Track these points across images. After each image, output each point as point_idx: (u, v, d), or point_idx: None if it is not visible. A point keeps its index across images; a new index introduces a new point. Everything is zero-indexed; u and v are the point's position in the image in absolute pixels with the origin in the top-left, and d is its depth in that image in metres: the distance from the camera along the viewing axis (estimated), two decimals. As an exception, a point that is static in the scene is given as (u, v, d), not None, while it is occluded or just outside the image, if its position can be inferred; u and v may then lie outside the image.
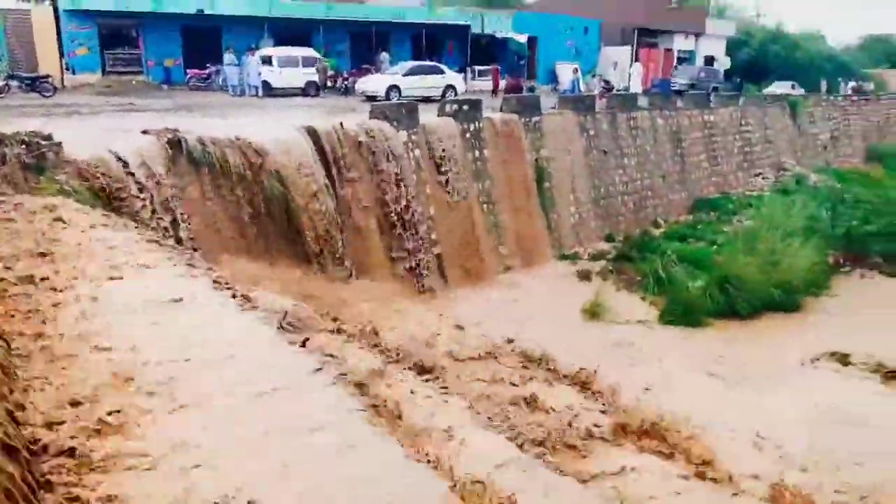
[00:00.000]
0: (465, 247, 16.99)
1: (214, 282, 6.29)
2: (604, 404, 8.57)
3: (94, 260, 6.25)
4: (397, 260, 14.74)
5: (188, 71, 26.21)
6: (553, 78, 35.92)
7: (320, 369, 4.29)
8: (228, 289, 6.13)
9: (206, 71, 25.82)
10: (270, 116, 16.86)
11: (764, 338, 13.81)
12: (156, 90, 25.12)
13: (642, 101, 24.58)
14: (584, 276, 17.53)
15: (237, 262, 10.34)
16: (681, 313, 14.07)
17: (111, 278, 5.77)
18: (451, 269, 16.52)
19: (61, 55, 25.30)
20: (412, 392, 6.36)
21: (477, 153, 17.89)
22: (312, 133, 13.20)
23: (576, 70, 27.07)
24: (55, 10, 24.86)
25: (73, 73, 25.53)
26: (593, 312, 14.78)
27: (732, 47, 47.11)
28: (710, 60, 44.35)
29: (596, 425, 7.44)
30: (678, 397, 9.25)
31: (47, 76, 20.82)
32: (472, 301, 15.65)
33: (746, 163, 28.72)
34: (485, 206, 17.89)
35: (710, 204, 24.53)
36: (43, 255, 6.28)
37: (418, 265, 15.22)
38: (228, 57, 24.39)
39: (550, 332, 14.06)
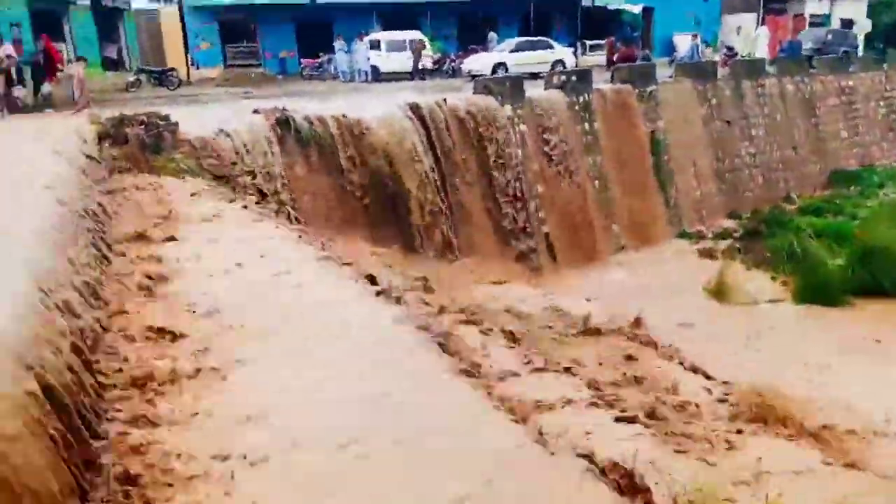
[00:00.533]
0: (575, 225, 16.30)
1: (322, 257, 6.18)
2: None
3: (205, 231, 6.33)
4: (504, 239, 14.32)
5: (302, 61, 26.98)
6: (670, 50, 34.00)
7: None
8: (335, 262, 6.02)
9: (318, 60, 26.42)
10: (376, 98, 16.87)
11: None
12: (272, 81, 25.95)
13: (770, 67, 22.68)
14: (708, 254, 16.36)
15: (342, 238, 10.34)
16: (818, 291, 12.72)
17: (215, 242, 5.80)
18: (561, 249, 15.89)
19: (186, 51, 26.69)
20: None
21: (587, 126, 17.09)
22: (416, 109, 13.01)
23: (695, 36, 25.38)
24: (180, 8, 26.23)
25: (197, 67, 26.89)
26: (718, 291, 13.69)
27: (875, 10, 42.69)
28: (847, 24, 40.43)
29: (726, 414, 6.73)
30: (841, 385, 8.28)
31: (172, 69, 22.01)
32: (584, 281, 14.94)
33: (893, 132, 25.91)
34: (596, 181, 17.07)
35: (850, 177, 22.27)
36: (157, 224, 6.44)
37: (526, 244, 14.74)
38: (338, 44, 24.79)
39: (672, 314, 13.25)
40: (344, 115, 12.34)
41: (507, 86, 15.71)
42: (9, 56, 14.54)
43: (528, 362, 6.18)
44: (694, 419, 6.26)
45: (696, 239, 17.55)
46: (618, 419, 5.26)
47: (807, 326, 11.74)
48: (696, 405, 6.25)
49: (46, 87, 15.52)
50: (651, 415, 5.47)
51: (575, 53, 27.25)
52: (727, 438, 5.44)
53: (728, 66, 21.87)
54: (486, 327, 6.60)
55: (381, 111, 12.81)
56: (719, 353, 9.27)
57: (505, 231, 14.41)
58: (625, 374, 7.12)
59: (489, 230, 14.16)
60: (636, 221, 17.70)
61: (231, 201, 7.98)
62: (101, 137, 9.42)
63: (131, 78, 20.73)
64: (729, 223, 18.64)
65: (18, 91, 14.77)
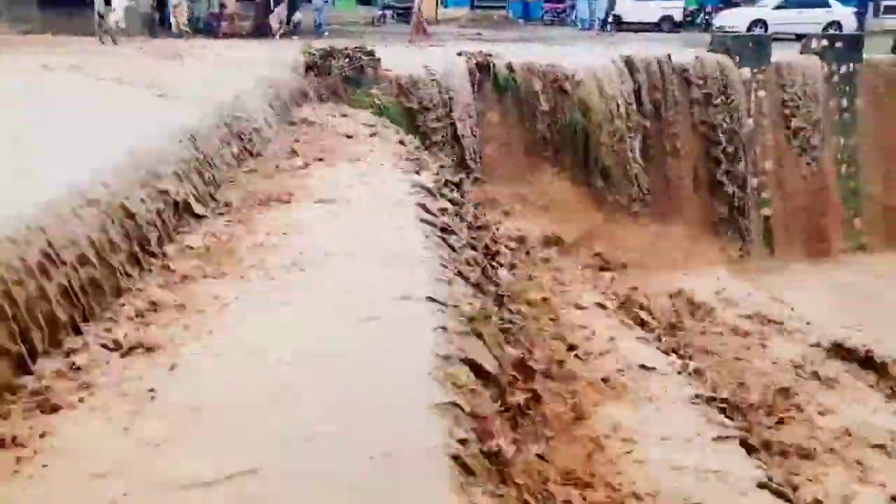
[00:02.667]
0: (806, 213, 14.19)
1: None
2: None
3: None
4: (712, 218, 12.92)
5: (545, 5, 26.42)
6: None
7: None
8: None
9: (562, 6, 25.66)
10: (603, 48, 15.91)
11: None
12: (513, 24, 25.82)
13: None
14: (975, 273, 13.32)
15: (517, 191, 10.09)
16: None
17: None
18: (782, 237, 13.99)
19: (437, -10, 27.52)
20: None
21: (845, 102, 14.57)
22: (629, 64, 12.02)
23: None
24: (435, -51, 26.93)
25: (446, 7, 27.63)
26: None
27: None
28: None
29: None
30: None
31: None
32: (801, 278, 13.09)
33: None
34: (844, 166, 14.62)
35: None
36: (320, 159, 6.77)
37: (739, 227, 13.17)
38: (581, -10, 23.79)
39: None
40: (550, 65, 11.84)
41: (750, 45, 13.88)
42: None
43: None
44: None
45: (967, 252, 14.33)
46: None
47: None
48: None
49: (297, 16, 16.96)
50: None
51: (862, 15, 23.19)
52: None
53: None
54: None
55: (591, 62, 12.05)
56: None
57: (714, 209, 12.99)
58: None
59: (696, 205, 12.86)
60: (890, 221, 14.91)
61: (400, 142, 8.05)
62: (309, 67, 10.05)
63: (378, 13, 21.87)
64: None
65: (273, 18, 16.33)
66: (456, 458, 2.54)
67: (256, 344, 3.32)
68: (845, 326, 9.22)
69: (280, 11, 16.28)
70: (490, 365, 3.41)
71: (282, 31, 16.33)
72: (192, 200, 4.88)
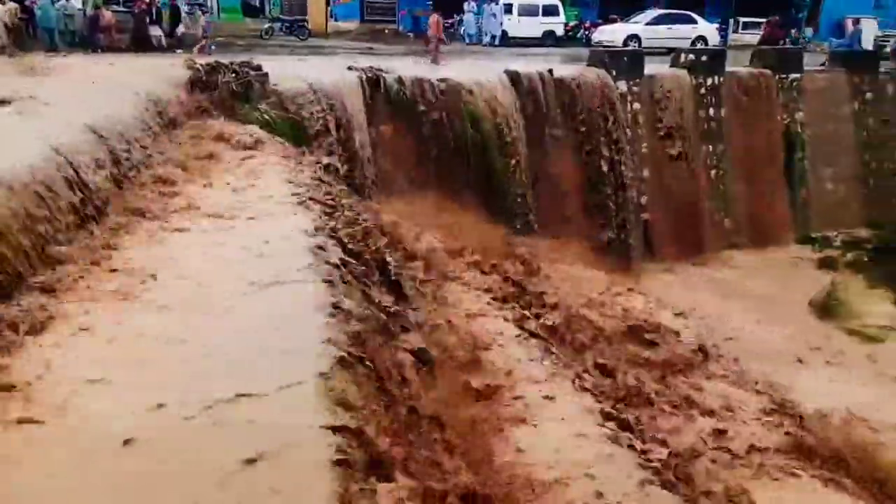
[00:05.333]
0: (681, 216, 15.21)
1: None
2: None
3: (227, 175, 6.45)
4: (595, 223, 13.61)
5: (433, 19, 26.81)
6: (840, 33, 30.56)
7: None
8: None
9: (450, 21, 26.17)
10: (489, 63, 16.43)
11: None
12: (403, 38, 26.15)
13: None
14: (827, 264, 14.76)
15: (410, 202, 10.23)
16: (944, 325, 11.12)
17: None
18: (661, 241, 14.93)
19: (327, 3, 27.44)
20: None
21: (711, 111, 15.77)
22: (515, 77, 12.52)
23: (856, 22, 22.59)
24: (324, -39, 26.91)
25: (336, 20, 27.63)
26: (824, 308, 12.35)
27: None
28: None
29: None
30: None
31: (304, 20, 22.68)
32: (679, 277, 14.06)
33: None
34: (713, 171, 15.80)
35: None
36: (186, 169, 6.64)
37: (620, 232, 13.95)
38: (468, 6, 24.44)
39: (765, 323, 12.19)
40: (441, 80, 12.14)
41: (626, 60, 14.77)
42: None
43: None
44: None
45: (820, 246, 15.85)
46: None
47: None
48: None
49: (181, 29, 16.48)
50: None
51: (724, 31, 25.16)
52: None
53: (895, 59, 19.24)
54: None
55: (478, 77, 12.45)
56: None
57: (598, 214, 13.70)
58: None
59: (580, 211, 13.52)
60: (754, 220, 16.26)
61: (288, 157, 8.03)
62: (193, 82, 9.81)
63: (265, 26, 21.58)
64: (864, 233, 16.64)
65: (154, 30, 15.79)
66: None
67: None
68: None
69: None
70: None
71: (164, 44, 15.83)
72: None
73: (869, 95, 17.70)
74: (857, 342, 11.12)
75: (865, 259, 14.76)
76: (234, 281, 4.34)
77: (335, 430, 2.82)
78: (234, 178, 6.67)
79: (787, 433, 6.61)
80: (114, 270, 4.42)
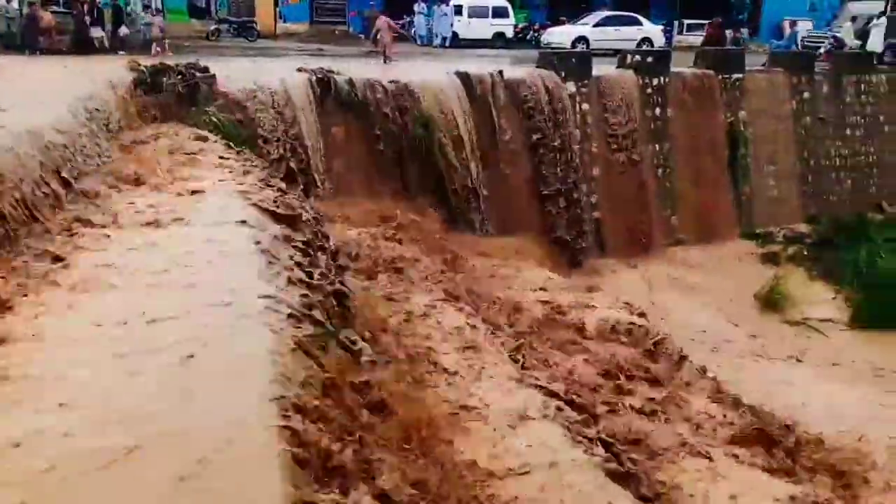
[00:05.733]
0: (630, 213, 15.52)
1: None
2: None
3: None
4: (548, 221, 13.78)
5: (384, 21, 26.75)
6: (780, 35, 31.63)
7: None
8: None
9: (400, 22, 26.16)
10: (440, 64, 16.49)
11: None
12: (353, 39, 26.03)
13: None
14: (770, 259, 15.28)
15: (364, 204, 10.21)
16: (878, 314, 11.61)
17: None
18: (612, 238, 15.22)
19: (276, 4, 27.15)
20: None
21: (658, 111, 16.13)
22: (465, 79, 12.60)
23: (793, 24, 23.47)
24: (271, -38, 26.61)
25: (285, 21, 27.33)
26: (768, 300, 12.78)
27: None
28: None
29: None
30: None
31: (252, 21, 22.40)
32: (629, 273, 14.34)
33: None
34: (660, 170, 16.17)
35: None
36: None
37: (572, 229, 14.14)
38: (418, 7, 24.50)
39: (711, 317, 12.56)
40: (392, 81, 12.13)
41: (574, 62, 15.01)
42: (90, -2, 15.15)
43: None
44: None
45: (763, 241, 16.39)
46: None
47: (846, 351, 10.73)
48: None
49: (124, 30, 16.06)
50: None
51: (669, 33, 25.78)
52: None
53: (828, 60, 20.01)
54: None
55: (429, 78, 12.50)
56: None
57: (550, 213, 13.87)
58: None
59: (532, 210, 13.67)
60: (700, 216, 16.68)
61: (235, 160, 7.91)
62: (137, 84, 9.59)
63: (213, 27, 21.22)
64: (804, 228, 17.27)
65: (96, 32, 15.35)
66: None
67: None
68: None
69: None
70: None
71: (107, 45, 15.41)
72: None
73: (806, 95, 18.38)
74: (798, 334, 11.53)
75: (805, 253, 15.33)
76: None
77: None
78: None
79: (730, 423, 6.83)
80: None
